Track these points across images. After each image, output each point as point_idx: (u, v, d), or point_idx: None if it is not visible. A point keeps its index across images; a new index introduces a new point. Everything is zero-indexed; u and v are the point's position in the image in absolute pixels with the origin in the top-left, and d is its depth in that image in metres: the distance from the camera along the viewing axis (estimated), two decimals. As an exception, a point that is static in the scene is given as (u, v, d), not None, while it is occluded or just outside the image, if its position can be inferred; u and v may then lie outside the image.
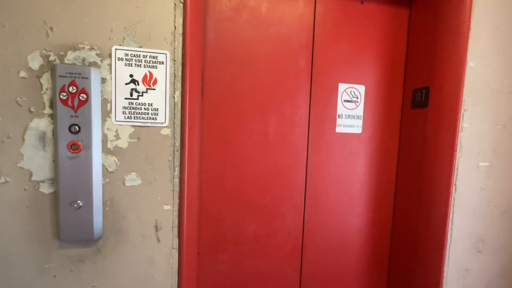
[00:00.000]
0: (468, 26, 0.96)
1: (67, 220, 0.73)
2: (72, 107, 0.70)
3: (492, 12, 0.98)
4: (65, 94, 0.69)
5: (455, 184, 1.00)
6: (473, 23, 0.96)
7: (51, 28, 0.70)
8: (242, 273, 1.10)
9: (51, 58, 0.70)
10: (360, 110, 1.15)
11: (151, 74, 0.76)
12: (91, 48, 0.72)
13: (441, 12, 1.01)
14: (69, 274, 0.76)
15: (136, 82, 0.75)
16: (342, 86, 1.12)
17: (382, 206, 1.21)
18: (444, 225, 1.01)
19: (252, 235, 1.10)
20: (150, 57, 0.75)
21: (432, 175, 1.05)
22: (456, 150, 0.99)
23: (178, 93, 0.78)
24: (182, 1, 0.75)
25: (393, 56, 1.15)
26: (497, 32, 0.99)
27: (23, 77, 0.69)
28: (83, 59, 0.72)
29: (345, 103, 1.13)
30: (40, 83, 0.70)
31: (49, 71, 0.70)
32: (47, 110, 0.71)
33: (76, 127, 0.70)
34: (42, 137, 0.71)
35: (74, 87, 0.69)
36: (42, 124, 0.71)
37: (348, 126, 1.14)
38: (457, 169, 1.00)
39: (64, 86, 0.69)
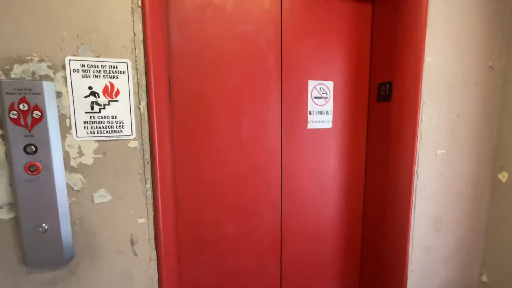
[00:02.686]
0: (425, 22, 1.01)
1: (32, 244, 0.69)
2: (26, 126, 0.64)
3: (447, 8, 1.04)
4: (15, 112, 0.63)
5: (416, 172, 1.08)
6: (429, 19, 1.01)
7: (-9, 39, 0.62)
8: (223, 272, 1.12)
9: (-6, 73, 0.63)
10: (329, 106, 1.18)
11: (112, 85, 0.71)
12: (41, 60, 0.66)
13: (401, 8, 1.05)
14: (41, 298, 0.72)
15: (96, 95, 0.71)
16: (311, 83, 1.14)
17: (353, 196, 1.28)
18: (408, 210, 1.10)
19: (232, 234, 1.11)
20: (109, 67, 0.71)
21: (396, 164, 1.12)
22: (417, 141, 1.06)
23: (143, 103, 0.75)
24: (140, 6, 0.71)
25: (358, 51, 1.18)
26: (451, 28, 1.06)
27: (-38, 96, 0.62)
28: (33, 73, 0.66)
29: (315, 100, 1.15)
30: (-16, 101, 0.63)
31: (-6, 88, 0.63)
32: (-4, 131, 0.65)
33: (32, 147, 0.65)
34: (-7, 160, 0.65)
35: (26, 104, 0.64)
36: (-8, 146, 0.65)
37: (319, 121, 1.18)
38: (418, 157, 1.08)
39: (13, 104, 0.63)
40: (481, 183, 1.23)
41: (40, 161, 0.66)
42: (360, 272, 1.36)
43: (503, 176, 1.20)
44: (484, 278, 1.30)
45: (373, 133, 1.22)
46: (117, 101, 0.73)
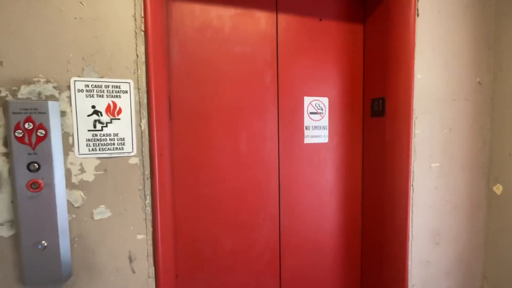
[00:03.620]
0: (413, 41, 1.06)
1: (31, 262, 0.69)
2: (30, 144, 0.67)
3: (434, 28, 1.09)
4: (20, 131, 0.65)
5: (412, 185, 1.10)
6: (417, 38, 1.07)
7: (0, 62, 0.66)
8: (222, 289, 1.11)
9: (2, 94, 0.66)
10: (325, 121, 1.21)
11: (114, 104, 0.74)
12: (47, 81, 0.69)
13: (390, 28, 1.11)
14: (37, 318, 0.72)
15: (99, 113, 0.73)
16: (307, 99, 1.18)
17: (351, 209, 1.29)
18: (405, 223, 1.11)
19: (230, 250, 1.11)
20: (112, 87, 0.74)
21: (392, 178, 1.14)
22: (411, 155, 1.08)
23: (144, 121, 0.77)
24: (143, 30, 0.75)
25: (352, 68, 1.23)
26: (439, 46, 1.11)
27: (-30, 116, 0.64)
28: (39, 93, 0.69)
29: (311, 115, 1.19)
30: (-9, 121, 0.66)
31: (1, 108, 0.66)
32: (1, 149, 0.67)
33: (36, 164, 0.67)
34: (-4, 178, 0.67)
35: (31, 123, 0.66)
36: (-4, 164, 0.66)
37: (315, 136, 1.20)
38: (413, 171, 1.10)
39: (19, 123, 0.65)
40: (476, 196, 1.24)
41: (43, 178, 0.68)
42: (360, 286, 1.34)
43: (498, 189, 1.22)
44: (486, 293, 1.29)
45: (369, 147, 1.25)
46: (119, 119, 0.75)
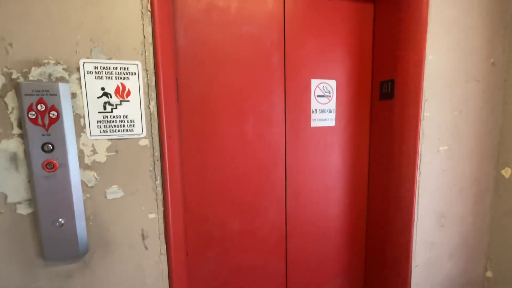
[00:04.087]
0: (426, 21, 1.02)
1: (50, 239, 0.72)
2: (43, 126, 0.68)
3: (448, 6, 1.05)
4: (33, 113, 0.67)
5: (419, 169, 1.10)
6: (430, 17, 1.03)
7: (10, 44, 0.66)
8: (230, 268, 1.15)
9: (13, 76, 0.67)
10: (332, 104, 1.20)
11: (123, 85, 0.75)
12: (57, 63, 0.70)
13: (402, 7, 1.07)
14: (58, 290, 0.76)
15: (109, 95, 0.74)
16: (314, 82, 1.16)
17: (357, 193, 1.30)
18: (411, 206, 1.12)
19: (237, 231, 1.14)
20: (121, 69, 0.74)
21: (399, 161, 1.14)
22: (419, 138, 1.08)
23: (153, 103, 0.78)
24: (150, 10, 0.74)
25: (361, 50, 1.20)
26: (452, 26, 1.07)
27: (-16, 98, 0.66)
28: (49, 75, 0.69)
29: (318, 98, 1.18)
30: (5, 102, 0.67)
31: (13, 90, 0.67)
32: (16, 130, 0.68)
33: (50, 145, 0.69)
34: (13, 158, 0.69)
35: (43, 105, 0.67)
36: (11, 145, 0.68)
37: (322, 120, 1.20)
38: (420, 154, 1.09)
39: (31, 104, 0.67)
40: (484, 179, 1.24)
41: (57, 158, 0.70)
42: (364, 267, 1.38)
43: (507, 172, 1.21)
44: (489, 274, 1.31)
45: (376, 130, 1.24)
46: (128, 101, 0.76)
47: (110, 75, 0.74)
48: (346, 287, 1.36)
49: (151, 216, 0.81)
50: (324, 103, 1.19)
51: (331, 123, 1.21)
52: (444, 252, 1.23)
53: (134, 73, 0.75)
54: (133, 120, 0.77)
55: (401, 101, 1.11)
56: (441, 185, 1.16)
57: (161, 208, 0.82)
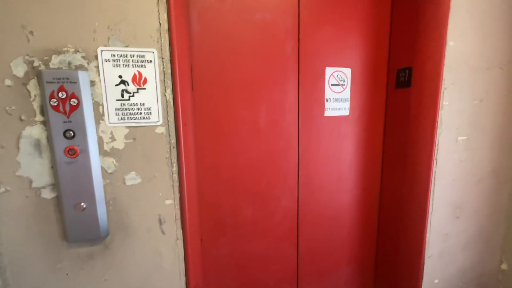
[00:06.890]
0: (448, 5, 0.98)
1: (72, 222, 0.75)
2: (64, 113, 0.70)
3: (471, -11, 1.00)
4: (55, 100, 0.69)
5: (436, 159, 1.08)
6: (452, 1, 0.98)
7: (31, 32, 0.67)
8: (243, 254, 1.17)
9: (35, 64, 0.68)
10: (347, 93, 1.18)
11: (140, 73, 0.75)
12: (76, 51, 0.71)
13: (423, -9, 1.02)
14: (80, 271, 0.80)
15: (126, 83, 0.75)
16: (329, 70, 1.14)
17: (370, 182, 1.29)
18: (426, 196, 1.10)
19: (250, 219, 1.16)
20: (137, 56, 0.75)
21: (415, 151, 1.12)
22: (437, 127, 1.05)
23: (169, 91, 0.79)
24: (165, -4, 0.74)
25: (377, 37, 1.17)
26: (476, 10, 1.02)
27: (9, 86, 0.68)
28: (69, 63, 0.71)
29: (333, 87, 1.16)
30: (28, 90, 0.69)
31: (35, 78, 0.69)
32: (39, 117, 0.71)
33: (71, 132, 0.71)
34: (37, 144, 0.71)
35: (64, 93, 0.69)
36: (35, 131, 0.71)
37: (336, 109, 1.18)
38: (437, 144, 1.07)
39: (53, 92, 0.68)
40: (503, 171, 1.20)
41: (78, 145, 0.72)
42: (376, 257, 1.38)
43: (528, 163, 1.17)
44: (504, 266, 1.29)
45: (391, 120, 1.21)
46: (145, 89, 0.77)
47: (127, 63, 0.74)
48: (357, 275, 1.37)
49: (168, 202, 0.83)
50: (339, 92, 1.17)
51: (345, 112, 1.19)
52: (459, 244, 1.21)
53: (150, 61, 0.76)
54: (149, 108, 0.78)
55: (419, 89, 1.07)
56: (458, 176, 1.13)
57: (177, 195, 0.84)
